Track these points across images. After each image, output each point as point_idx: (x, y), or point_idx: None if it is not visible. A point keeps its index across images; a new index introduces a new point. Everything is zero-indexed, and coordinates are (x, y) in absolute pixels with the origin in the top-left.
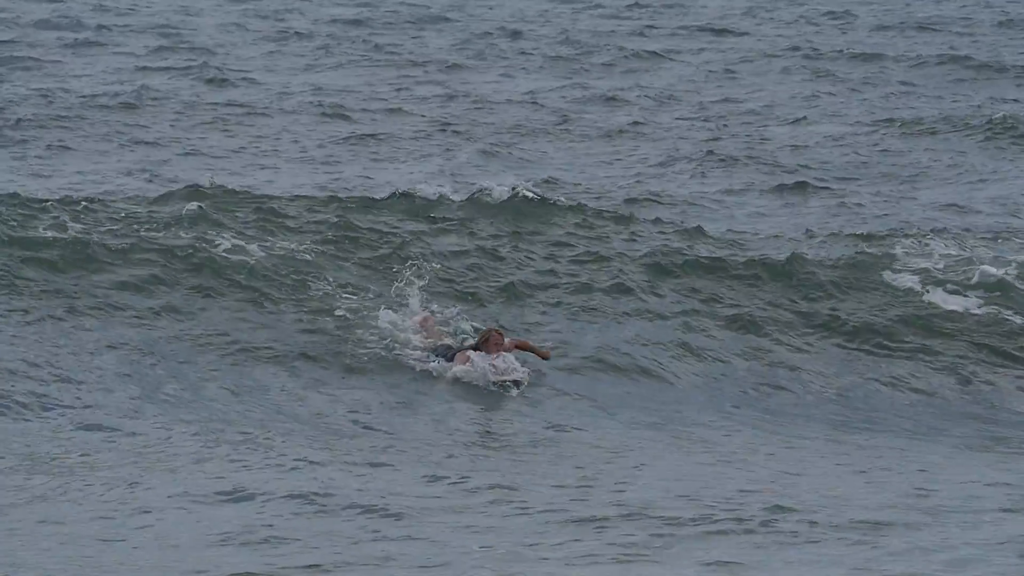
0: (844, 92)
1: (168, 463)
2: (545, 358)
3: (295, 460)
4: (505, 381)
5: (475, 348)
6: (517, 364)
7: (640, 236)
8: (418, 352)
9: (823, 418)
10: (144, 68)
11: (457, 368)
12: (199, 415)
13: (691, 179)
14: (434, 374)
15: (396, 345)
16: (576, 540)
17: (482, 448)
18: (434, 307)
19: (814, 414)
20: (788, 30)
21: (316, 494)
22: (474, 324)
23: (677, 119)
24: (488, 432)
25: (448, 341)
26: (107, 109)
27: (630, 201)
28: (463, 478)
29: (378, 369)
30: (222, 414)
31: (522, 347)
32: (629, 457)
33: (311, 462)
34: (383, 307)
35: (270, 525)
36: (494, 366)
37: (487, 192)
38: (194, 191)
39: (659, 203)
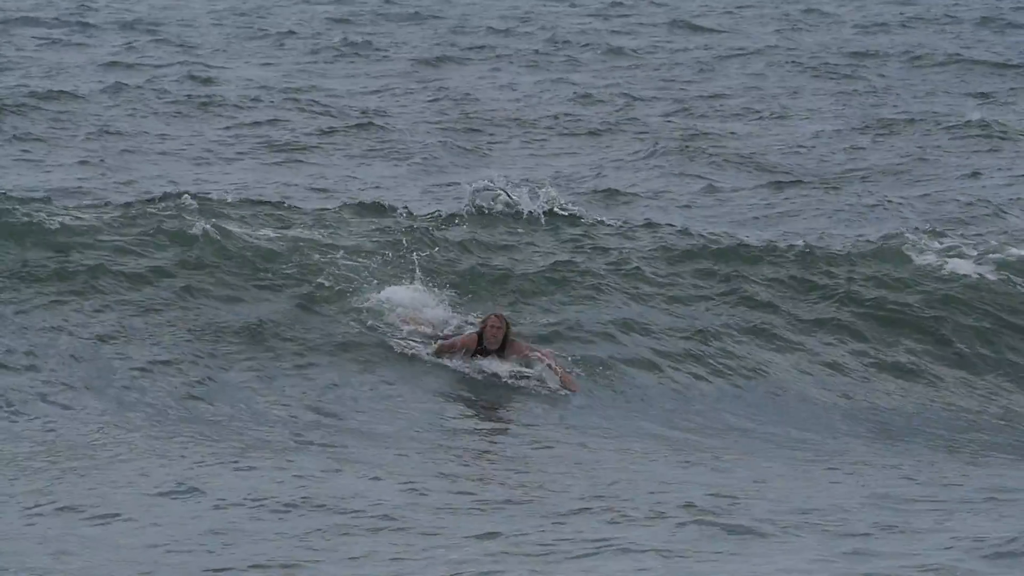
0: (824, 89)
1: (122, 459)
2: (568, 388)
3: (262, 459)
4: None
5: (478, 335)
6: (507, 368)
7: (636, 236)
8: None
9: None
10: (118, 63)
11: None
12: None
13: (673, 177)
14: (424, 355)
15: (385, 328)
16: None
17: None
18: (428, 310)
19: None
20: (769, 26)
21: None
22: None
23: (660, 117)
24: (471, 429)
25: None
26: (85, 104)
27: (625, 202)
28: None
29: (368, 356)
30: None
31: (540, 358)
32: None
33: (280, 460)
34: (379, 284)
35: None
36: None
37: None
38: (173, 192)
39: (643, 201)
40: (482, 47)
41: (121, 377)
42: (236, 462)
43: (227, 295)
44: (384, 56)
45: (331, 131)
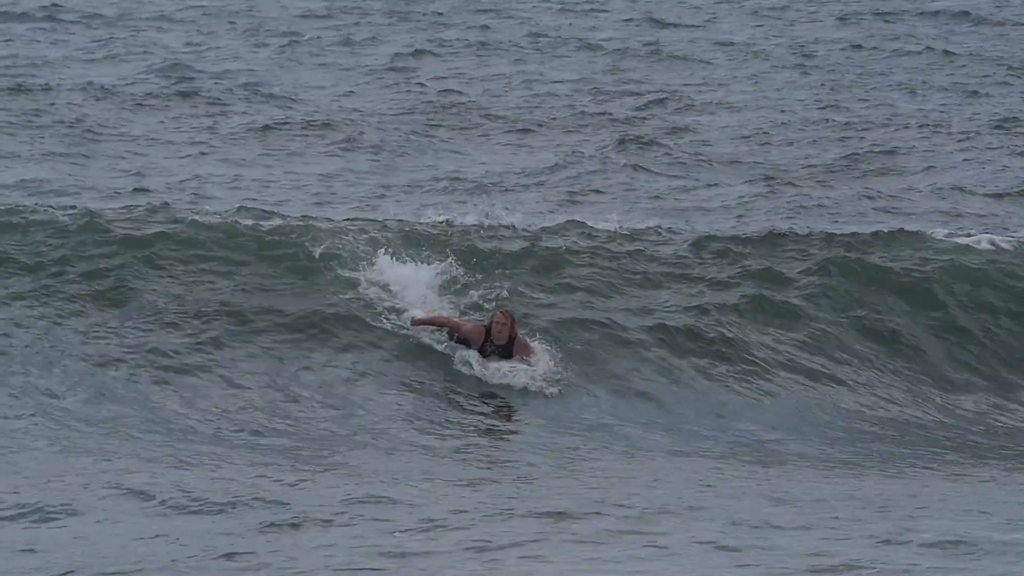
0: (797, 82)
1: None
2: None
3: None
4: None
5: (486, 329)
6: (516, 369)
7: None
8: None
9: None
10: (91, 58)
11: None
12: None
13: (642, 172)
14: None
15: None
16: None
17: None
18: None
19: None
20: (745, 21)
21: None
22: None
23: (630, 111)
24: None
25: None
26: (62, 103)
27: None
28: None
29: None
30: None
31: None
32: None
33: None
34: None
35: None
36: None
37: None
38: (143, 188)
39: (612, 196)
40: (460, 41)
41: (78, 376)
42: (184, 460)
43: (203, 287)
44: (356, 50)
45: (293, 124)
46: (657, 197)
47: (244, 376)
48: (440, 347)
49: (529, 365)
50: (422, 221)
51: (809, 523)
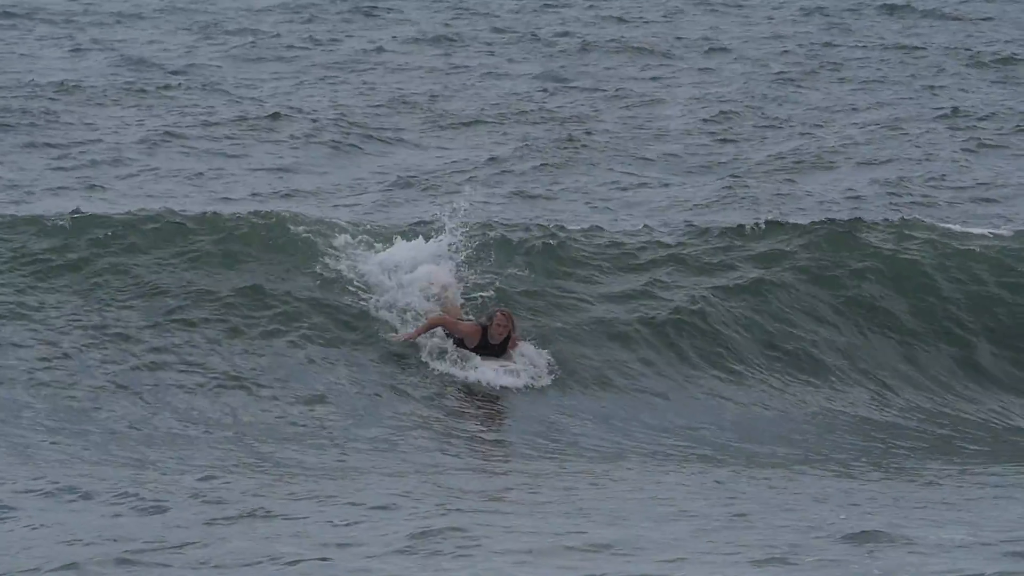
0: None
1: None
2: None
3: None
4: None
5: (484, 329)
6: (507, 369)
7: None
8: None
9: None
10: (52, 54)
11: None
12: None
13: (601, 171)
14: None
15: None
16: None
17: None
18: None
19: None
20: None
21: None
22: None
23: (581, 107)
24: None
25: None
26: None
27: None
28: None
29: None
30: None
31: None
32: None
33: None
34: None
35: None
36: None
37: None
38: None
39: (568, 197)
40: (422, 36)
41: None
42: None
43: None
44: (316, 49)
45: (249, 119)
46: (619, 192)
47: (214, 372)
48: (428, 344)
49: (518, 358)
50: (391, 218)
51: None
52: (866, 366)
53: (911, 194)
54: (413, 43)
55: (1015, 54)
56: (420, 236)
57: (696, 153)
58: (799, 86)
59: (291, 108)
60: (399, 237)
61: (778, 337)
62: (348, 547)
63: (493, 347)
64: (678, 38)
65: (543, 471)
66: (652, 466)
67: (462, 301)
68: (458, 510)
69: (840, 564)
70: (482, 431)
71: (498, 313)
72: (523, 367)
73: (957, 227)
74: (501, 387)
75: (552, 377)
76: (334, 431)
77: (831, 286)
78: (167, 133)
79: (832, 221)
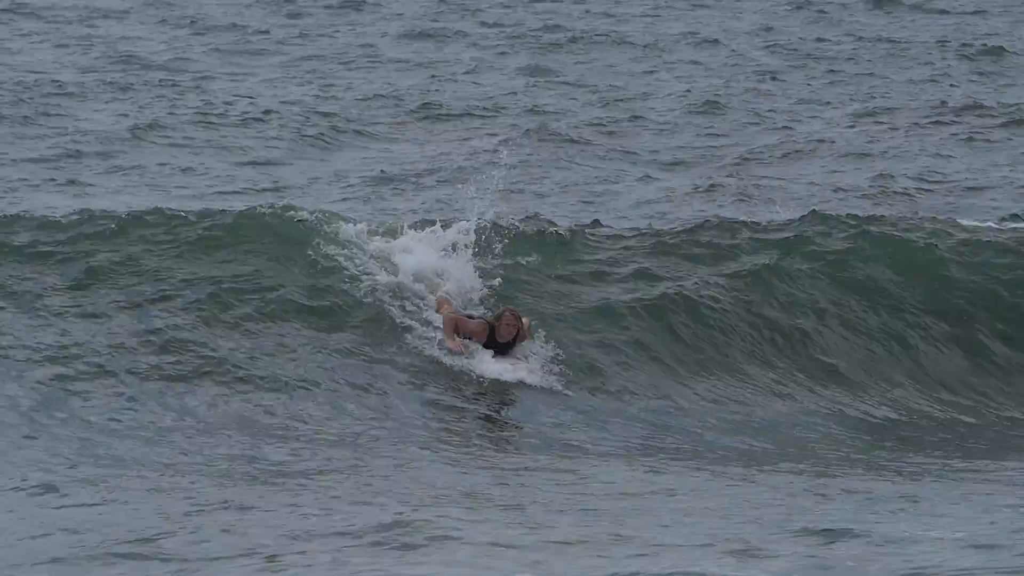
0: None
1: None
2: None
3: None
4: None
5: (491, 327)
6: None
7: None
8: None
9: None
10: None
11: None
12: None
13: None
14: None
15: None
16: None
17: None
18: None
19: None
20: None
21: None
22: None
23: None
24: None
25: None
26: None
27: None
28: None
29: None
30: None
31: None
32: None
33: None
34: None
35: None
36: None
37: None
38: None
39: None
40: (409, 32)
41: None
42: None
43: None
44: (299, 42)
45: (230, 115)
46: (608, 185)
47: (199, 362)
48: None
49: (524, 355)
50: (378, 212)
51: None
52: (853, 361)
53: (897, 187)
54: (399, 37)
55: (1003, 46)
56: (426, 228)
57: (684, 146)
58: (784, 79)
59: (275, 102)
60: (407, 229)
61: (768, 333)
62: (323, 538)
63: (501, 345)
64: (666, 32)
65: (526, 466)
66: (636, 463)
67: (471, 297)
68: (431, 504)
69: (799, 557)
70: (473, 426)
71: (507, 312)
72: (529, 364)
73: (942, 219)
74: (501, 382)
75: (556, 374)
76: (318, 423)
77: (823, 279)
78: (152, 126)
79: (822, 215)
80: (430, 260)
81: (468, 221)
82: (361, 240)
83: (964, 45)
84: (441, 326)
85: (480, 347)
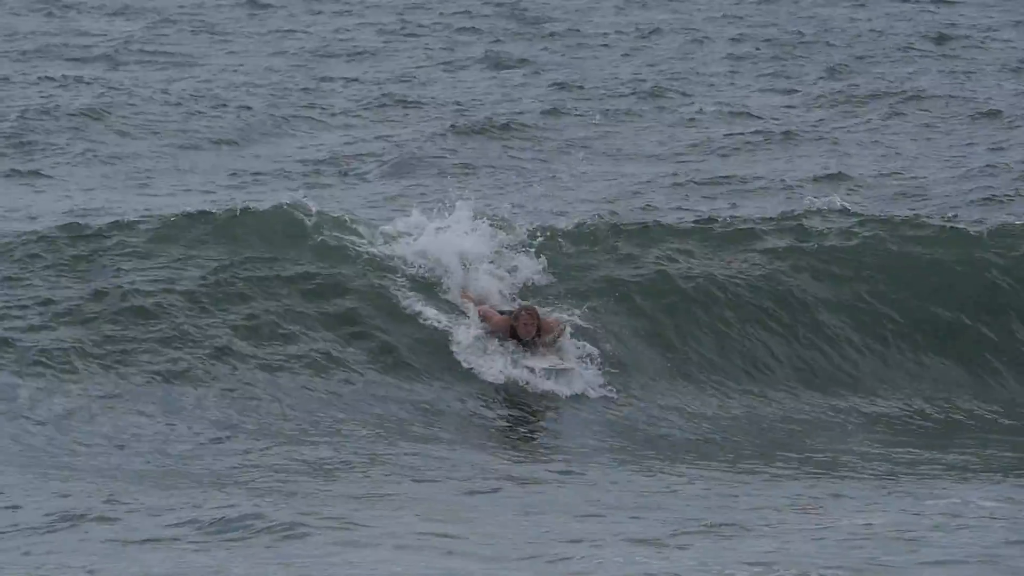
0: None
1: None
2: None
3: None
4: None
5: (512, 327)
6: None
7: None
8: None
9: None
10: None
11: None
12: None
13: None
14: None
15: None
16: None
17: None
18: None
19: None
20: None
21: None
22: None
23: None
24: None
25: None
26: None
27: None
28: None
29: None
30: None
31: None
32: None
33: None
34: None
35: None
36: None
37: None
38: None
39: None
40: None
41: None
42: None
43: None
44: (232, 37)
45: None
46: (574, 179)
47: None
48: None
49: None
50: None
51: None
52: (805, 361)
53: (858, 181)
54: (359, 28)
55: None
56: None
57: (638, 137)
58: (746, 67)
59: (230, 90)
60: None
61: (720, 338)
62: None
63: (523, 342)
64: (625, 23)
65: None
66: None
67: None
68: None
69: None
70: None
71: (523, 312)
72: (558, 364)
73: (904, 214)
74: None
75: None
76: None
77: (778, 287)
78: (100, 114)
79: (789, 214)
80: (455, 252)
81: (481, 219)
82: (382, 238)
83: (927, 34)
84: (471, 315)
85: (509, 344)
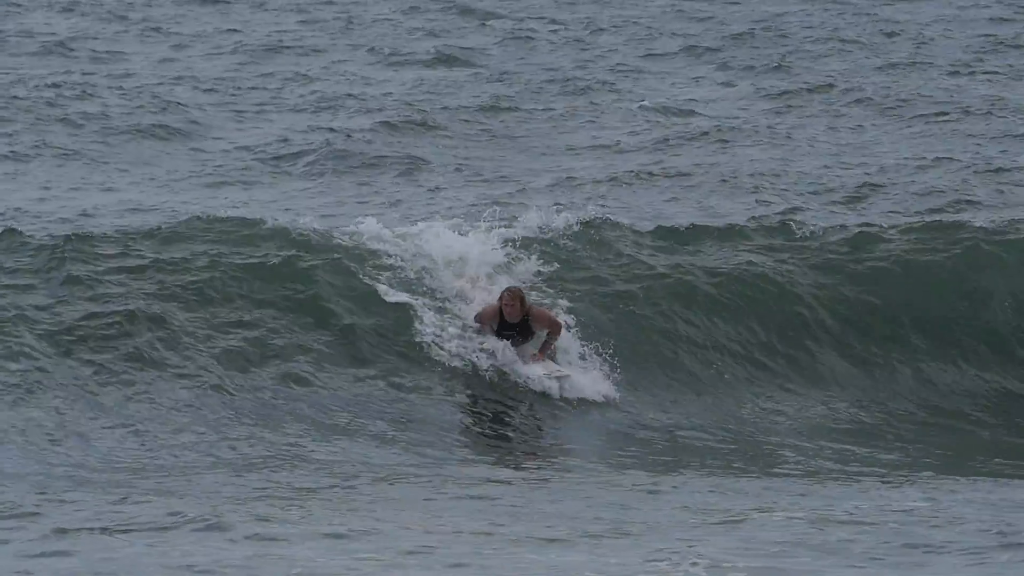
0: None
1: None
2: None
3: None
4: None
5: (499, 309)
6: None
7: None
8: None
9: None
10: None
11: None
12: None
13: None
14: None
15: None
16: None
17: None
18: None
19: None
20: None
21: None
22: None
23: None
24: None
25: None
26: None
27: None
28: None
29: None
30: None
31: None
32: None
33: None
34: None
35: None
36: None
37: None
38: None
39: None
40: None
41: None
42: None
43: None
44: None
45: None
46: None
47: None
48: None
49: (545, 343)
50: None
51: None
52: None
53: (808, 176)
54: (303, 25)
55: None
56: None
57: (580, 131)
58: (689, 62)
59: (171, 86)
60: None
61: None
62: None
63: (515, 326)
64: (572, 19)
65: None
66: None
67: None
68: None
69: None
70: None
71: (504, 293)
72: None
73: (845, 211)
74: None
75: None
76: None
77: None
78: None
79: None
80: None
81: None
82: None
83: (875, 29)
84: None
85: (505, 343)
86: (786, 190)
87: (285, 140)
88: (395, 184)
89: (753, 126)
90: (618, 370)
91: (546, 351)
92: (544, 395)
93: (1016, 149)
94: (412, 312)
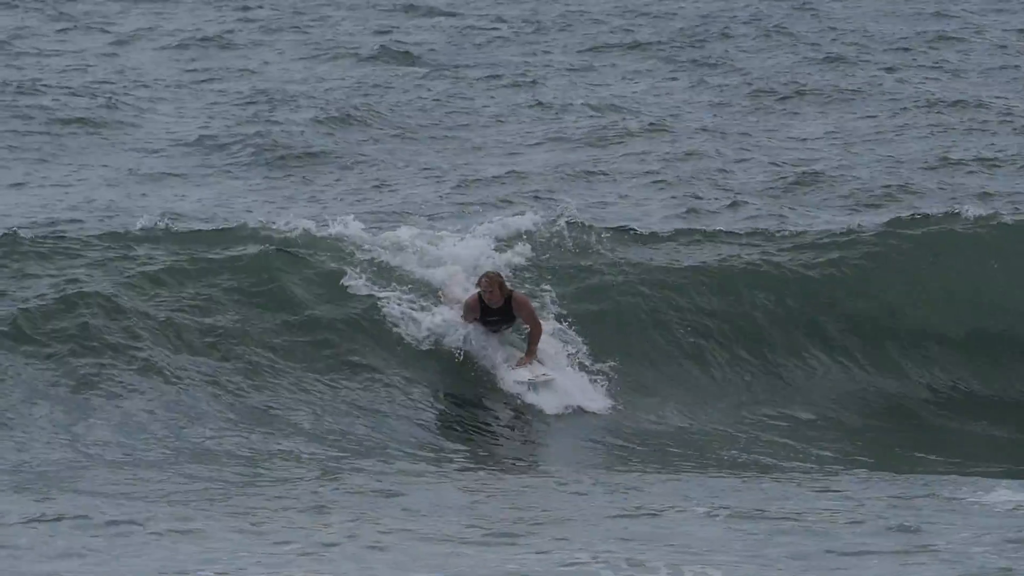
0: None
1: None
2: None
3: None
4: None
5: (479, 296)
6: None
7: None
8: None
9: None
10: None
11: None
12: None
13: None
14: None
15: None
16: None
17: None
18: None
19: None
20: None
21: None
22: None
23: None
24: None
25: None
26: None
27: None
28: None
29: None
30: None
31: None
32: None
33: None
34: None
35: None
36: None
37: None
38: None
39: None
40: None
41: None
42: None
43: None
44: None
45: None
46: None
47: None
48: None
49: (529, 346)
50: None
51: None
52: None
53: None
54: (242, 21)
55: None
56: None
57: (523, 129)
58: (637, 61)
59: (108, 83)
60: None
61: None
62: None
63: (497, 312)
64: (513, 15)
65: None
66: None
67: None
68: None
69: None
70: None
71: (482, 279)
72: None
73: (794, 213)
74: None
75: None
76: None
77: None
78: None
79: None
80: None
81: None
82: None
83: (822, 27)
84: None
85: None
86: (727, 187)
87: (225, 135)
88: (339, 180)
89: (699, 122)
90: (597, 373)
91: (532, 355)
92: (522, 397)
93: (964, 144)
94: (379, 305)
